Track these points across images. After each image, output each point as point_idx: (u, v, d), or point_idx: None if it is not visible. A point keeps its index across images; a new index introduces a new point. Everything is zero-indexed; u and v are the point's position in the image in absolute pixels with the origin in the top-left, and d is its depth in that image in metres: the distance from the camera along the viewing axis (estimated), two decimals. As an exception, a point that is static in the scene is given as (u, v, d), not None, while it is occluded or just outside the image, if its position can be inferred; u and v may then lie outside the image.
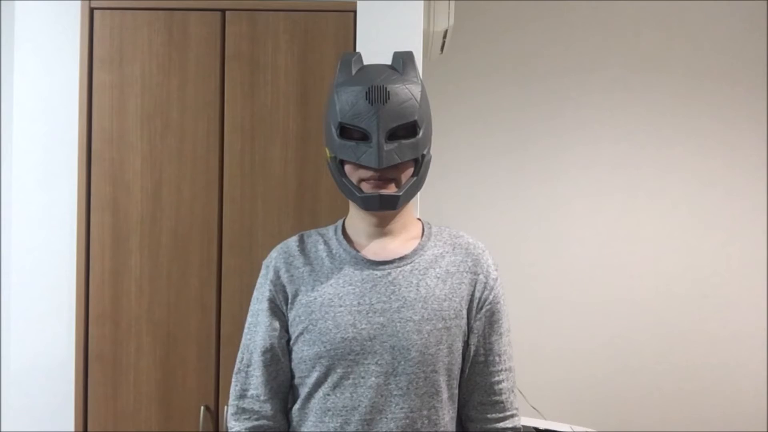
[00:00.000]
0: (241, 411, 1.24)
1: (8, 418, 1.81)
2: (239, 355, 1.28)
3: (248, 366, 1.26)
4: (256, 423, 1.23)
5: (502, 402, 1.26)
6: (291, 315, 1.24)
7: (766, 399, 2.75)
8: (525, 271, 2.74)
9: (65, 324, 1.80)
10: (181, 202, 1.78)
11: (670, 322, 2.76)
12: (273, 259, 1.30)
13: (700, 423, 2.74)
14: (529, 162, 2.80)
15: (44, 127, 1.82)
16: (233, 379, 1.28)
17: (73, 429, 1.77)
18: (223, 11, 1.78)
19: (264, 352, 1.24)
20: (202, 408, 1.75)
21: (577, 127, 2.80)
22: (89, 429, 1.77)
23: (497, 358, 1.27)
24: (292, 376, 1.26)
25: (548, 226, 2.79)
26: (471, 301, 1.25)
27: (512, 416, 1.28)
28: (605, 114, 2.80)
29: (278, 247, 1.32)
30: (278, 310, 1.26)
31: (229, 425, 1.26)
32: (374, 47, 1.68)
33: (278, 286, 1.26)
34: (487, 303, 1.26)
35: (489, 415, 1.26)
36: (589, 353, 2.76)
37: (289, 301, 1.25)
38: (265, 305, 1.26)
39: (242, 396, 1.25)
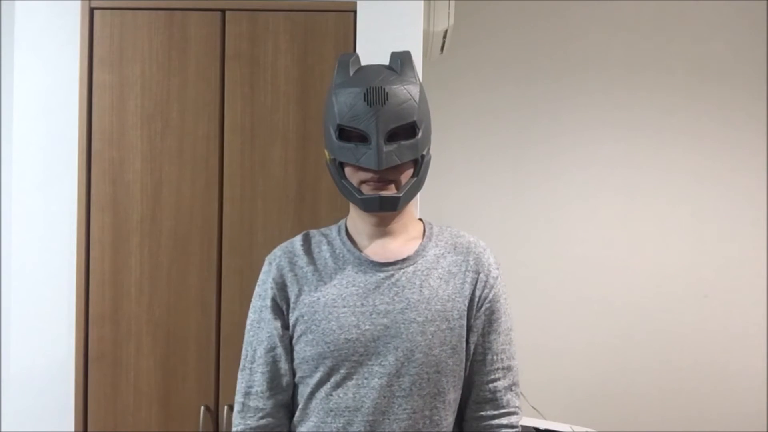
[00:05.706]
0: (246, 408, 1.24)
1: (8, 418, 1.81)
2: (243, 352, 1.28)
3: (252, 363, 1.25)
4: (261, 422, 1.23)
5: (496, 400, 1.25)
6: (294, 315, 1.24)
7: (766, 399, 2.75)
8: (525, 270, 2.74)
9: (65, 324, 1.80)
10: (181, 202, 1.78)
11: (670, 322, 2.76)
12: (277, 257, 1.29)
13: (700, 423, 2.74)
14: (529, 162, 2.80)
15: (44, 127, 1.82)
16: (239, 377, 1.28)
17: (73, 429, 1.77)
18: (223, 11, 1.78)
19: (268, 351, 1.24)
20: (202, 408, 1.75)
21: (577, 127, 2.80)
22: (89, 429, 1.77)
23: (494, 357, 1.26)
24: (294, 375, 1.26)
25: (548, 226, 2.79)
26: (472, 299, 1.25)
27: (508, 414, 1.26)
28: (605, 114, 2.80)
29: (283, 245, 1.32)
30: (279, 309, 1.26)
31: (234, 422, 1.26)
32: (374, 47, 1.67)
33: (280, 284, 1.26)
34: (486, 301, 1.26)
35: (482, 413, 1.25)
36: (589, 353, 2.76)
37: (291, 301, 1.25)
38: (268, 303, 1.26)
39: (247, 393, 1.24)
